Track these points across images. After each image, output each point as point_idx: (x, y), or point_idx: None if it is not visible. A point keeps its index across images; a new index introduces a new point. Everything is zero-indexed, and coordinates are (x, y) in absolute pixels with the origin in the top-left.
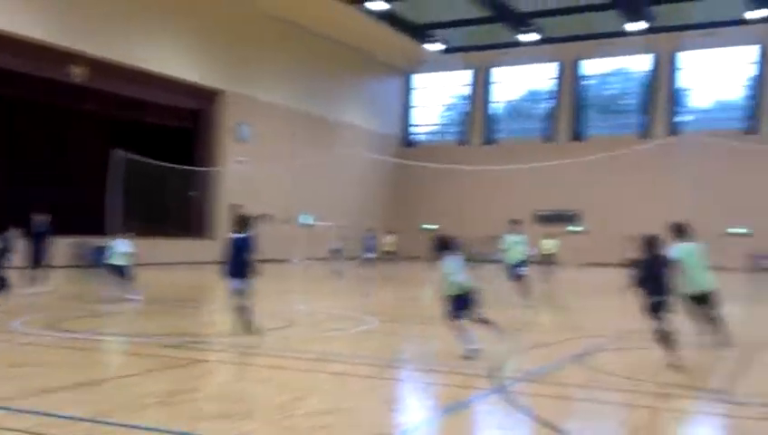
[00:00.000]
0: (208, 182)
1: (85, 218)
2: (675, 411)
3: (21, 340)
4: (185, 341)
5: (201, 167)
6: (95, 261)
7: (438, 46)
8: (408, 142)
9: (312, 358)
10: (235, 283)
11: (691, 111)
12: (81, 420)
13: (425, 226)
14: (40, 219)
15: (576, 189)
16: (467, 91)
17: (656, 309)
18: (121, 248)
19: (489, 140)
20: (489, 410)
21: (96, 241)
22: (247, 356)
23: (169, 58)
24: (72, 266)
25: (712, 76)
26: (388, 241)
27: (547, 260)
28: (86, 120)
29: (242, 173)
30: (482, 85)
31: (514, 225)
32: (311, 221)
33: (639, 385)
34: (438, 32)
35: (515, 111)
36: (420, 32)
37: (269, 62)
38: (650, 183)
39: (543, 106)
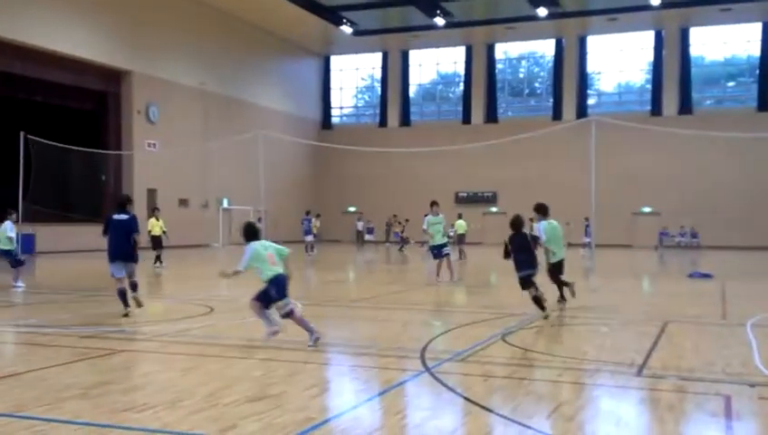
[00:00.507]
0: (120, 166)
1: None
2: (596, 386)
3: None
4: (102, 331)
5: (110, 150)
6: None
7: (353, 29)
8: (326, 125)
9: (237, 345)
10: (125, 266)
11: (599, 94)
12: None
13: (349, 208)
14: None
15: (492, 171)
16: (383, 73)
17: (525, 281)
18: (7, 233)
19: (406, 122)
20: (419, 392)
21: None
22: (170, 345)
23: (75, 37)
24: None
25: (617, 60)
26: (312, 224)
27: (461, 240)
28: None
29: (154, 156)
30: (397, 68)
31: (435, 206)
32: (227, 205)
33: (562, 361)
34: (353, 14)
35: (430, 94)
36: (335, 14)
37: (180, 42)
38: (562, 165)
39: (457, 89)
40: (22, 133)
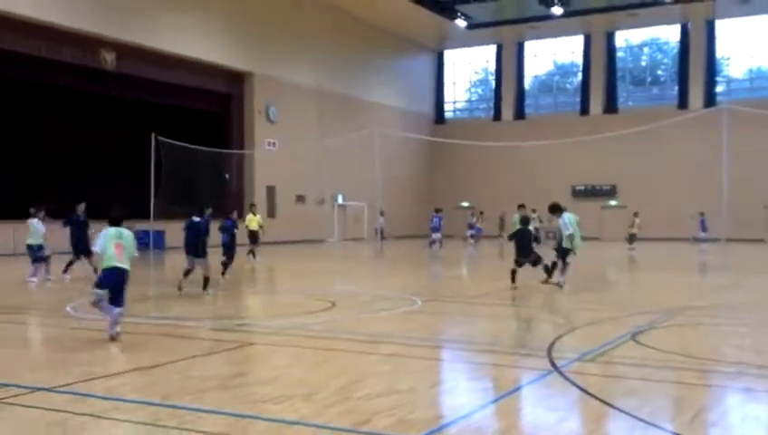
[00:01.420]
0: (242, 165)
1: (122, 205)
2: (740, 390)
3: (72, 325)
4: (233, 325)
5: (233, 150)
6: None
7: (467, 22)
8: (439, 120)
9: (363, 340)
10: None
11: (728, 81)
12: (148, 404)
13: (462, 204)
14: (80, 208)
15: (611, 163)
16: (497, 66)
17: (518, 264)
18: (40, 230)
19: (521, 115)
20: (549, 392)
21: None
22: (296, 339)
23: (199, 41)
24: None
25: (748, 45)
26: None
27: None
28: (116, 107)
29: (273, 154)
30: (512, 60)
31: (522, 209)
32: (342, 201)
33: (700, 363)
34: (467, 7)
35: (546, 85)
36: (449, 8)
37: (297, 43)
38: (687, 156)
39: (575, 80)
40: (153, 135)
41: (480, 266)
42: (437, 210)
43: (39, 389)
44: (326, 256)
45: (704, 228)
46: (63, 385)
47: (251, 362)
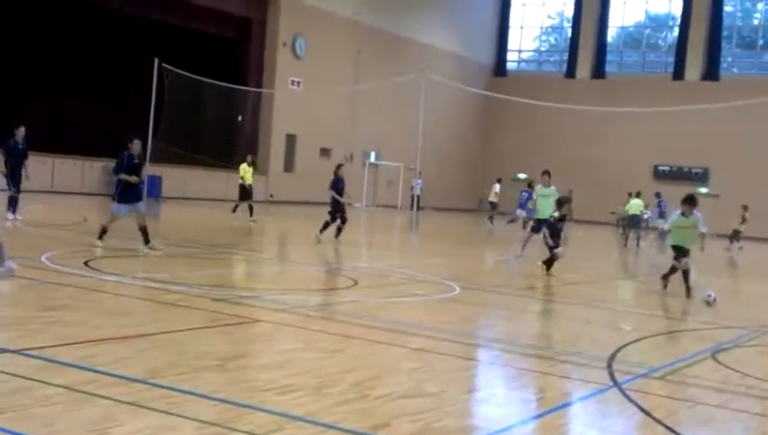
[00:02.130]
0: (258, 106)
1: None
2: None
3: (50, 278)
4: (235, 295)
5: (248, 85)
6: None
7: None
8: (500, 71)
9: (388, 328)
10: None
11: None
12: (133, 380)
13: (519, 175)
14: (20, 132)
15: (705, 142)
16: (576, 10)
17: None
18: None
19: (600, 74)
20: (606, 411)
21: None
22: (310, 320)
23: None
24: (102, 195)
25: None
26: (493, 191)
27: (635, 223)
28: (113, 23)
29: (296, 97)
30: (594, 5)
31: (545, 176)
32: (374, 160)
33: None
34: None
35: (633, 39)
36: None
37: None
38: None
39: (669, 35)
40: (156, 60)
41: (537, 254)
42: (530, 185)
43: (4, 350)
44: (351, 224)
45: None
46: (33, 348)
47: (254, 342)
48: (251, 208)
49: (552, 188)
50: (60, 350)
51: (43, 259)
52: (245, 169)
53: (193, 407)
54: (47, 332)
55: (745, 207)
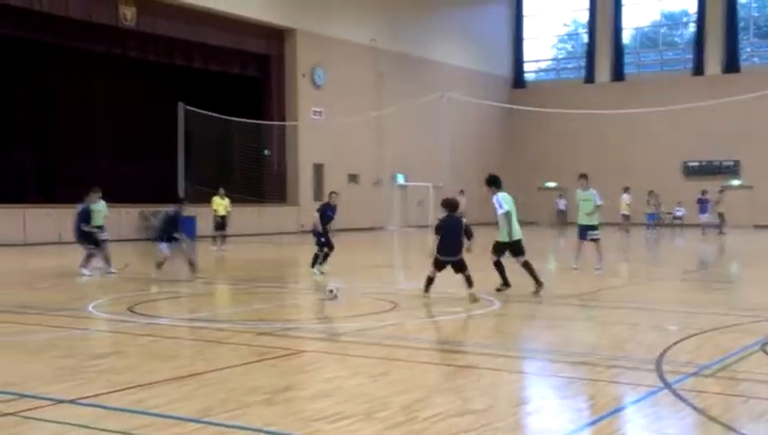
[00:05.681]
0: (283, 139)
1: (149, 185)
2: None
3: (98, 326)
4: (278, 328)
5: (272, 120)
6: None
7: None
8: (519, 83)
9: (431, 348)
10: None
11: None
12: (186, 420)
13: (547, 184)
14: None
15: (733, 134)
16: (590, 16)
17: (438, 267)
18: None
19: (619, 76)
20: (660, 413)
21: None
22: (352, 346)
23: None
24: (138, 240)
25: None
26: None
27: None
28: (137, 70)
29: (320, 126)
30: (608, 8)
31: (582, 179)
32: (402, 181)
33: None
34: None
35: (650, 39)
36: None
37: None
38: None
39: (686, 32)
40: (180, 105)
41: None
42: (560, 195)
43: (60, 401)
44: (385, 246)
45: None
46: (87, 396)
47: (301, 372)
48: (223, 238)
49: (591, 190)
50: (113, 396)
51: (90, 308)
52: (218, 202)
53: None
54: (99, 379)
55: None
